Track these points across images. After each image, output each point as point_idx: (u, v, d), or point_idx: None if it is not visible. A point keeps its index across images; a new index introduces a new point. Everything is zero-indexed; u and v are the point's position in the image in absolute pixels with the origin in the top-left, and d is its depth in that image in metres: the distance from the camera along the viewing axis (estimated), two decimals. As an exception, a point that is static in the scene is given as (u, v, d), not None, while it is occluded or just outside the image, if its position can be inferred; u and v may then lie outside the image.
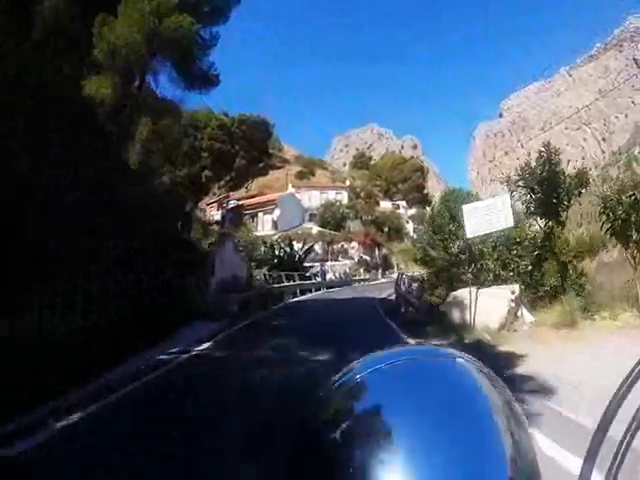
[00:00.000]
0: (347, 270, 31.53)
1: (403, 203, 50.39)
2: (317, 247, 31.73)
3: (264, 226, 35.94)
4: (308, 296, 21.15)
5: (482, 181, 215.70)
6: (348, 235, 35.06)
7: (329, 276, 27.54)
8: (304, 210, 38.29)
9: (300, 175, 50.26)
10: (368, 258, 35.21)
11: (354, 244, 34.63)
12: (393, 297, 17.13)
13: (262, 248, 24.18)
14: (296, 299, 19.70)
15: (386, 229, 40.66)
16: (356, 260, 34.04)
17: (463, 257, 10.90)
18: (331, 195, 40.42)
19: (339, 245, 34.16)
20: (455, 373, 0.40)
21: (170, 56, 14.61)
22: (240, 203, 39.39)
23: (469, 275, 9.84)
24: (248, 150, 53.11)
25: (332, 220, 36.50)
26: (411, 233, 43.74)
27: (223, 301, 12.01)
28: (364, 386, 0.39)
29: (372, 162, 70.46)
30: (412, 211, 48.94)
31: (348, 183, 46.21)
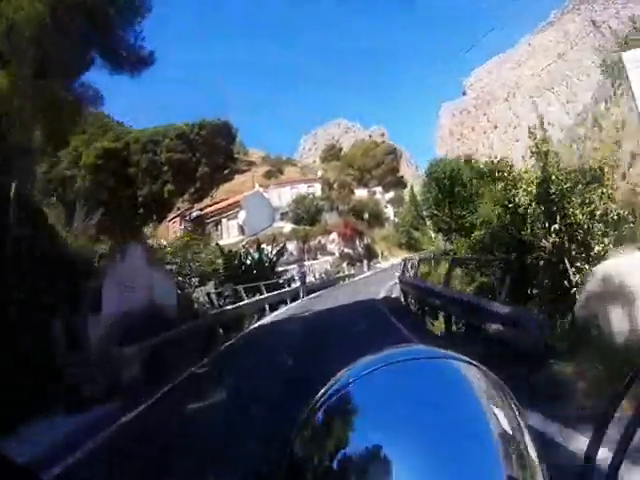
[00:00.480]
0: (328, 268, 28.57)
1: (379, 189, 47.79)
2: (291, 247, 28.68)
3: (229, 233, 32.67)
4: (282, 311, 16.18)
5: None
6: (326, 228, 32.06)
7: (309, 278, 23.92)
8: (274, 209, 35.18)
9: (268, 175, 47.18)
10: (350, 251, 32.40)
11: (333, 237, 31.62)
12: (397, 294, 12.89)
13: (219, 260, 18.72)
14: (264, 321, 14.20)
15: (366, 216, 37.92)
16: (337, 255, 31.11)
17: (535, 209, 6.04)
18: (303, 189, 37.38)
19: (316, 241, 31.18)
20: (453, 374, 0.40)
21: (80, 26, 11.29)
22: (202, 213, 36.06)
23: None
24: (211, 157, 49.83)
25: (306, 215, 33.44)
26: (392, 217, 41.20)
27: (117, 358, 6.48)
28: (360, 388, 0.39)
29: (343, 154, 67.85)
30: (390, 195, 46.47)
31: (320, 174, 43.27)
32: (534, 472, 0.35)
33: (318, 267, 28.36)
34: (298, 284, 21.09)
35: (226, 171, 51.60)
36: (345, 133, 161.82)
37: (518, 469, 0.34)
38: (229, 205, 34.42)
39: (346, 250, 32.02)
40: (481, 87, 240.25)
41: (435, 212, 14.94)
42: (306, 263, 27.28)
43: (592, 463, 0.44)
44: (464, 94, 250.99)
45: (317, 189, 38.05)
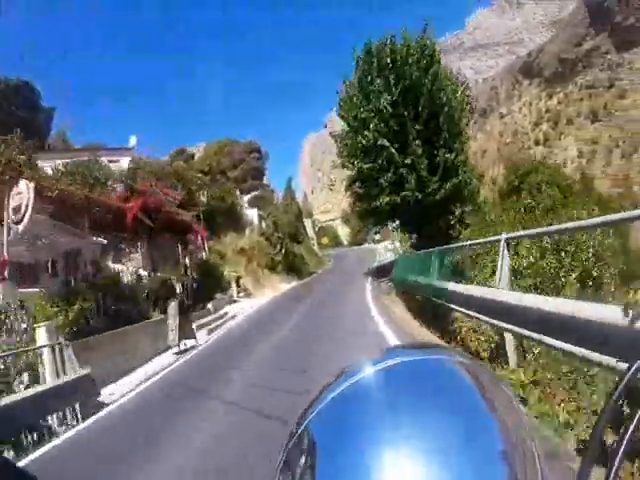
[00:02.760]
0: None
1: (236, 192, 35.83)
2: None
3: None
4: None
5: (312, 189, 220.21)
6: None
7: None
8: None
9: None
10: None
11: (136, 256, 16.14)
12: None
13: None
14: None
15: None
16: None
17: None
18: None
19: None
20: (451, 371, 0.40)
21: None
22: None
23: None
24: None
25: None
26: (255, 221, 29.22)
27: None
28: (360, 388, 0.39)
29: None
30: (249, 196, 34.67)
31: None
32: (535, 469, 0.35)
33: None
34: None
35: None
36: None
37: (519, 466, 0.34)
38: None
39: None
40: (340, 122, 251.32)
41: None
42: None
43: (591, 463, 0.43)
44: (325, 127, 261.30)
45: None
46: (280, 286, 22.26)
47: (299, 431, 0.39)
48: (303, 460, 0.37)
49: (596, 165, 67.50)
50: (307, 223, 47.34)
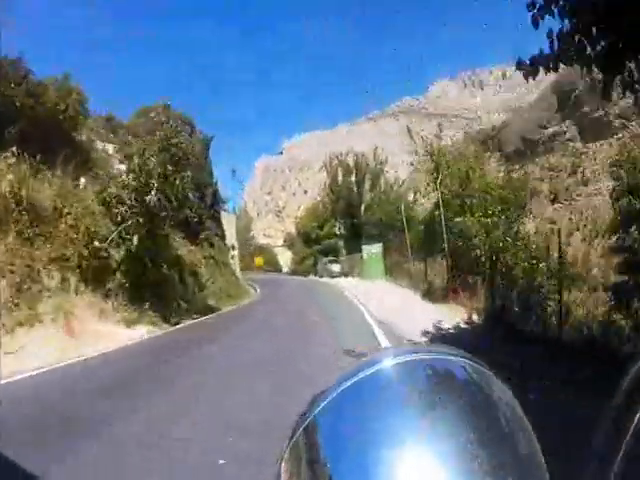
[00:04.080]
0: None
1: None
2: None
3: None
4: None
5: (257, 212, 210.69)
6: None
7: None
8: None
9: None
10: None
11: None
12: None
13: None
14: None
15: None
16: None
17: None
18: None
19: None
20: (450, 371, 0.40)
21: None
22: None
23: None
24: None
25: None
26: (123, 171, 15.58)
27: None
28: (375, 380, 0.39)
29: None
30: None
31: None
32: (536, 470, 0.35)
33: None
34: None
35: None
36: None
37: (519, 467, 0.34)
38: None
39: None
40: (298, 152, 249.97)
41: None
42: None
43: (593, 464, 0.44)
44: (281, 153, 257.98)
45: None
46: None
47: (308, 420, 0.39)
48: (311, 448, 0.37)
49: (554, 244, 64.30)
50: (227, 220, 29.01)
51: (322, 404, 0.38)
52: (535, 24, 3.96)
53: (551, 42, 3.99)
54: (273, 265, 66.39)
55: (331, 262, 34.06)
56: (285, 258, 76.62)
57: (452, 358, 0.40)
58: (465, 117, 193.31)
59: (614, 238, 9.09)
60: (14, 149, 9.50)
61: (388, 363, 0.39)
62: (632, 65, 3.84)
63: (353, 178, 38.00)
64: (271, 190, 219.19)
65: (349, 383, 0.38)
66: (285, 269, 66.63)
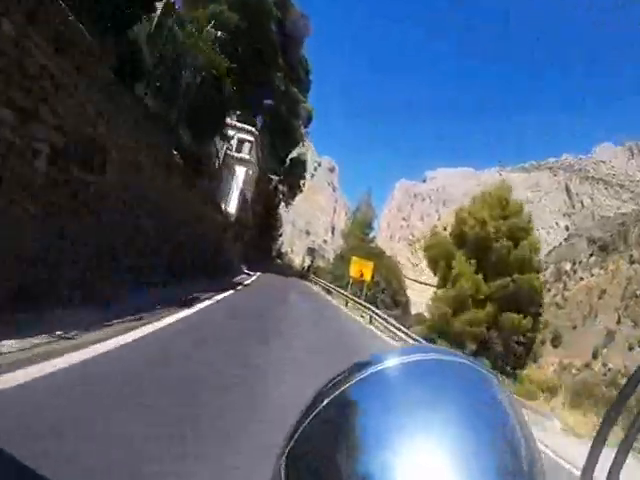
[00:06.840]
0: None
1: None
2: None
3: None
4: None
5: (391, 236, 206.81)
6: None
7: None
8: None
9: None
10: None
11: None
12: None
13: None
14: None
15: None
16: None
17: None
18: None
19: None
20: (453, 373, 0.40)
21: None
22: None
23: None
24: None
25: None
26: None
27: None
28: (369, 384, 0.39)
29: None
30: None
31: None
32: (535, 470, 0.36)
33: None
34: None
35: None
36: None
37: (519, 468, 0.35)
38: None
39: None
40: (442, 185, 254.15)
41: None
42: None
43: (592, 468, 0.44)
44: (424, 181, 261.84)
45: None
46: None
47: (311, 415, 0.38)
48: (313, 444, 0.37)
49: None
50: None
51: (325, 401, 0.39)
52: None
53: None
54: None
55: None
56: (423, 298, 42.18)
57: (453, 359, 0.41)
58: (630, 189, 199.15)
59: None
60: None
61: (391, 363, 0.39)
62: None
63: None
64: (408, 216, 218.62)
65: (352, 381, 0.39)
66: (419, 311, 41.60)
